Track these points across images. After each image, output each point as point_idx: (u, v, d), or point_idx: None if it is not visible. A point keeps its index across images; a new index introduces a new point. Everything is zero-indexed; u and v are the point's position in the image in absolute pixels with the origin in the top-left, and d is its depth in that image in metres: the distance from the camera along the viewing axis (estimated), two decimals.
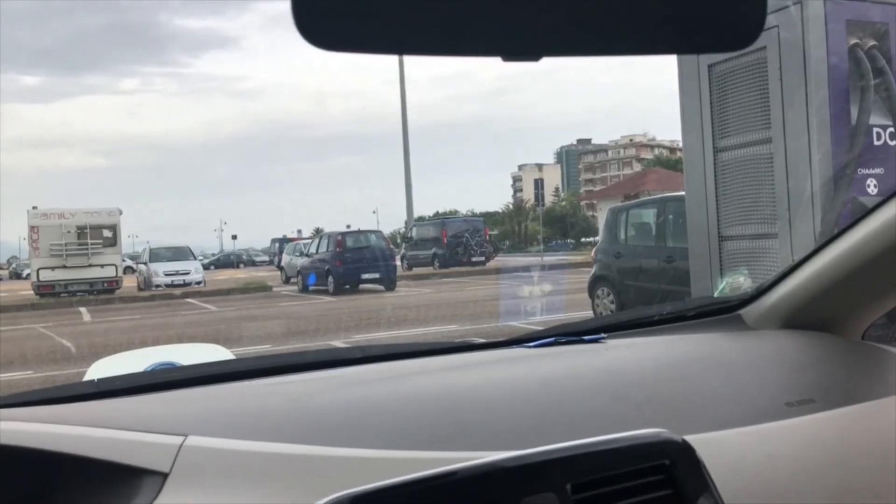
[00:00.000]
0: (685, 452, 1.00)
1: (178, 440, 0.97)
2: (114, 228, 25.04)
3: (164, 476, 0.93)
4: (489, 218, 49.44)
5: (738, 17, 0.73)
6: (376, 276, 20.62)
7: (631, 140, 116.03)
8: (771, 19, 4.24)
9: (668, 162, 68.70)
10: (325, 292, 20.16)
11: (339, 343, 10.03)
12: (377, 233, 23.90)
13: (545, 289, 16.67)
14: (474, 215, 52.99)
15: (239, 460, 0.96)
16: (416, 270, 27.59)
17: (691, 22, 0.72)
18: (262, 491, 0.93)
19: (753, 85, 4.57)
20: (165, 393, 1.19)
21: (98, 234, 24.51)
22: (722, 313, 1.68)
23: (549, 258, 29.92)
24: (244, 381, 1.28)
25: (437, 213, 67.05)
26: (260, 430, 1.02)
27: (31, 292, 23.79)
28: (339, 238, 21.42)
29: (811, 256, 1.55)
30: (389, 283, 20.75)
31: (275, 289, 22.97)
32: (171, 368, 1.58)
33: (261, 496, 0.92)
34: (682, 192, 5.93)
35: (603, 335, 1.56)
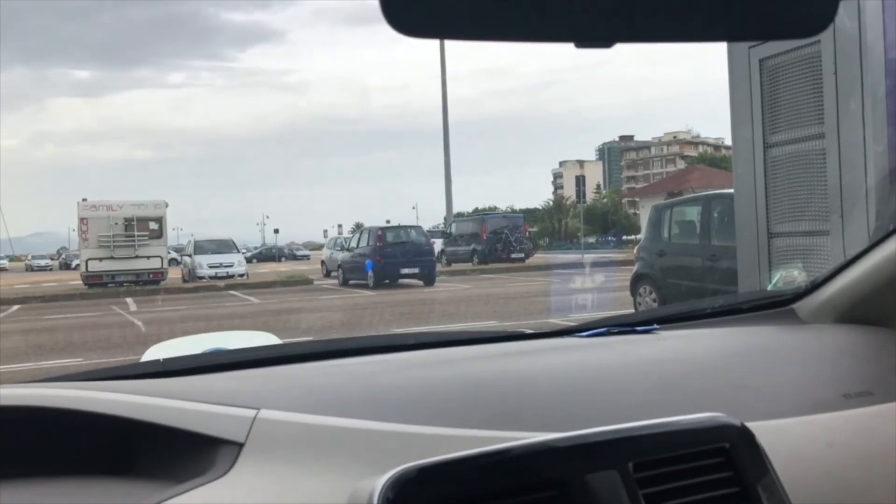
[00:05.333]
0: (745, 436, 1.01)
1: (251, 413, 1.01)
2: (160, 220, 25.53)
3: (240, 446, 0.97)
4: (529, 215, 49.21)
5: (812, 3, 0.74)
6: (415, 270, 20.70)
7: (674, 137, 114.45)
8: None
9: (713, 160, 67.63)
10: (365, 286, 20.31)
11: None
12: (417, 228, 23.98)
13: (586, 286, 16.57)
14: (514, 212, 52.86)
15: (309, 433, 1.00)
16: (455, 266, 27.61)
17: (765, 7, 0.73)
18: (331, 461, 0.97)
19: (806, 79, 4.48)
20: (234, 372, 1.24)
21: (144, 226, 25.01)
22: (775, 307, 1.67)
23: (590, 255, 29.69)
24: (306, 363, 1.32)
25: (477, 209, 66.91)
26: (327, 406, 1.06)
27: (80, 282, 24.40)
28: (380, 233, 21.55)
29: (868, 251, 1.53)
30: (429, 278, 20.82)
31: (315, 282, 23.23)
32: (234, 350, 1.63)
33: (330, 466, 0.96)
34: (728, 190, 5.84)
35: (655, 326, 1.57)
